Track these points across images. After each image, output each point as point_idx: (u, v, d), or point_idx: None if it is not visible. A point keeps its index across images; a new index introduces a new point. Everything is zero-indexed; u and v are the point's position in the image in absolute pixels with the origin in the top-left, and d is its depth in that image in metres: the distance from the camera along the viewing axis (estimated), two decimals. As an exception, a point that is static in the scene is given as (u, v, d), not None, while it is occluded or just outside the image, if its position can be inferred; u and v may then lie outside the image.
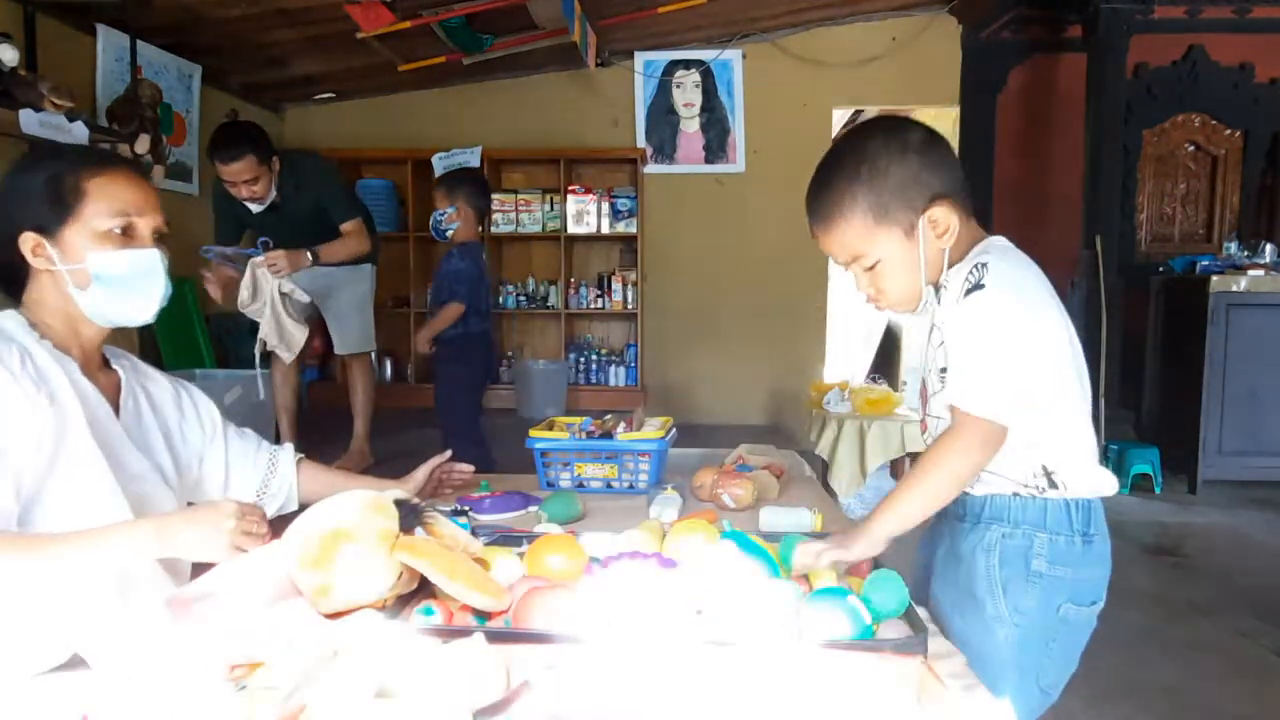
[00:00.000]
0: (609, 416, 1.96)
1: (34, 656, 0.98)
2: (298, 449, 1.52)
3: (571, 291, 5.35)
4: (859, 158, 1.13)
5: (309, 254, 3.01)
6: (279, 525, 1.10)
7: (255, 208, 3.10)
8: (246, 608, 0.94)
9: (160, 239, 1.20)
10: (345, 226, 3.23)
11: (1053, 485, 1.13)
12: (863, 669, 0.93)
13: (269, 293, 2.95)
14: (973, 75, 5.33)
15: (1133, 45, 4.82)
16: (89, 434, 1.11)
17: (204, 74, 4.25)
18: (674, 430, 1.94)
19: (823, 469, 3.75)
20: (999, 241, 1.15)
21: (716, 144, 5.38)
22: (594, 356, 5.41)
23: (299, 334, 3.14)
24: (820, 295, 5.37)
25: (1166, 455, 4.58)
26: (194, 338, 4.11)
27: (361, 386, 3.54)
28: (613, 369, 5.38)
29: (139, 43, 3.57)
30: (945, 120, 5.65)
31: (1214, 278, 4.42)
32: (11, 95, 2.80)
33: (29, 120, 2.80)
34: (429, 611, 1.03)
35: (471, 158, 5.07)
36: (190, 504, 1.29)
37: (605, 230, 5.23)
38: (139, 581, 1.10)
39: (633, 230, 5.22)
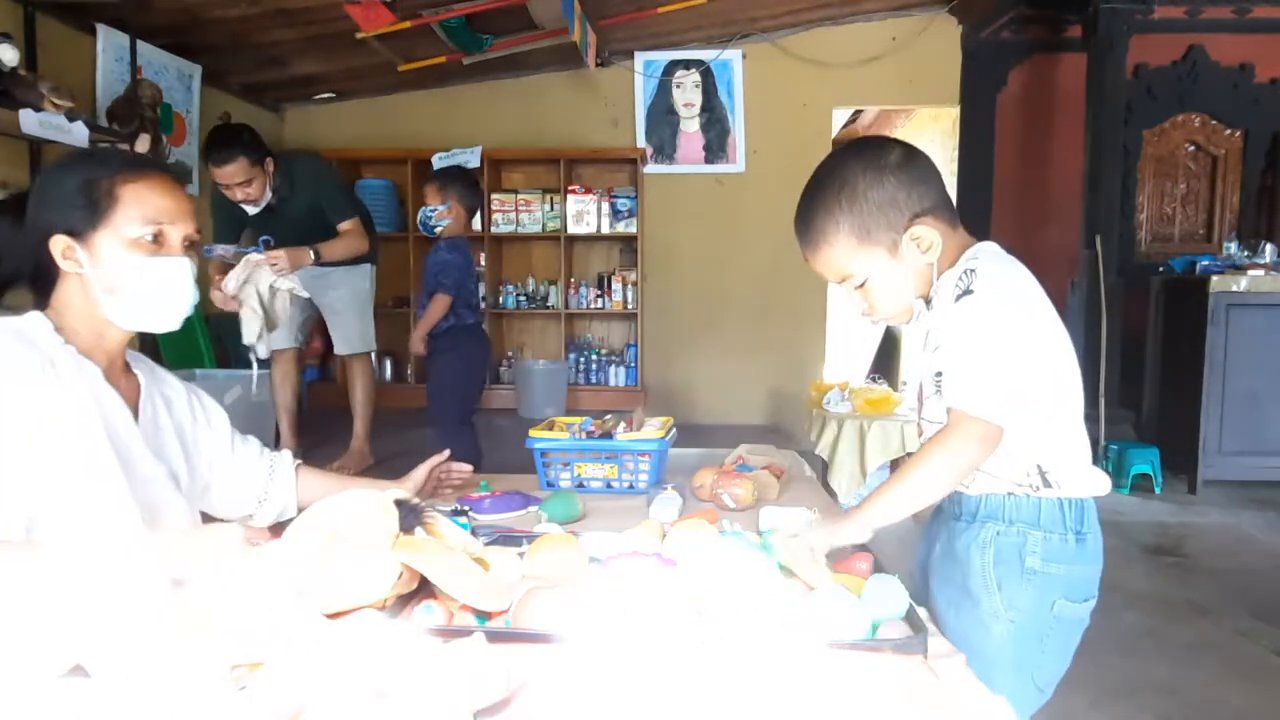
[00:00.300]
0: (609, 416, 1.96)
1: (35, 666, 0.97)
2: (297, 449, 1.52)
3: (571, 291, 5.35)
4: (839, 183, 1.17)
5: (310, 252, 3.01)
6: (279, 529, 1.10)
7: (251, 209, 3.10)
8: (246, 608, 0.94)
9: (190, 246, 1.20)
10: (343, 226, 3.22)
11: (1047, 485, 1.15)
12: (863, 669, 0.93)
13: (256, 288, 2.90)
14: (973, 75, 5.33)
15: (1133, 45, 4.82)
16: (105, 441, 1.11)
17: (204, 74, 4.25)
18: (674, 430, 1.94)
19: (823, 469, 3.75)
20: (988, 247, 1.17)
21: (716, 144, 5.38)
22: (594, 356, 5.41)
23: (282, 331, 3.15)
24: (820, 295, 5.38)
25: (1166, 455, 4.58)
26: (194, 338, 4.11)
27: (361, 386, 3.54)
28: (613, 369, 5.38)
29: (139, 43, 3.57)
30: (945, 120, 5.66)
31: (1214, 278, 4.41)
32: (11, 95, 2.80)
33: (29, 120, 2.81)
34: (429, 611, 1.03)
35: (471, 158, 5.08)
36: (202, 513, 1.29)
37: (605, 230, 5.23)
38: (142, 591, 1.10)
39: (633, 230, 5.22)
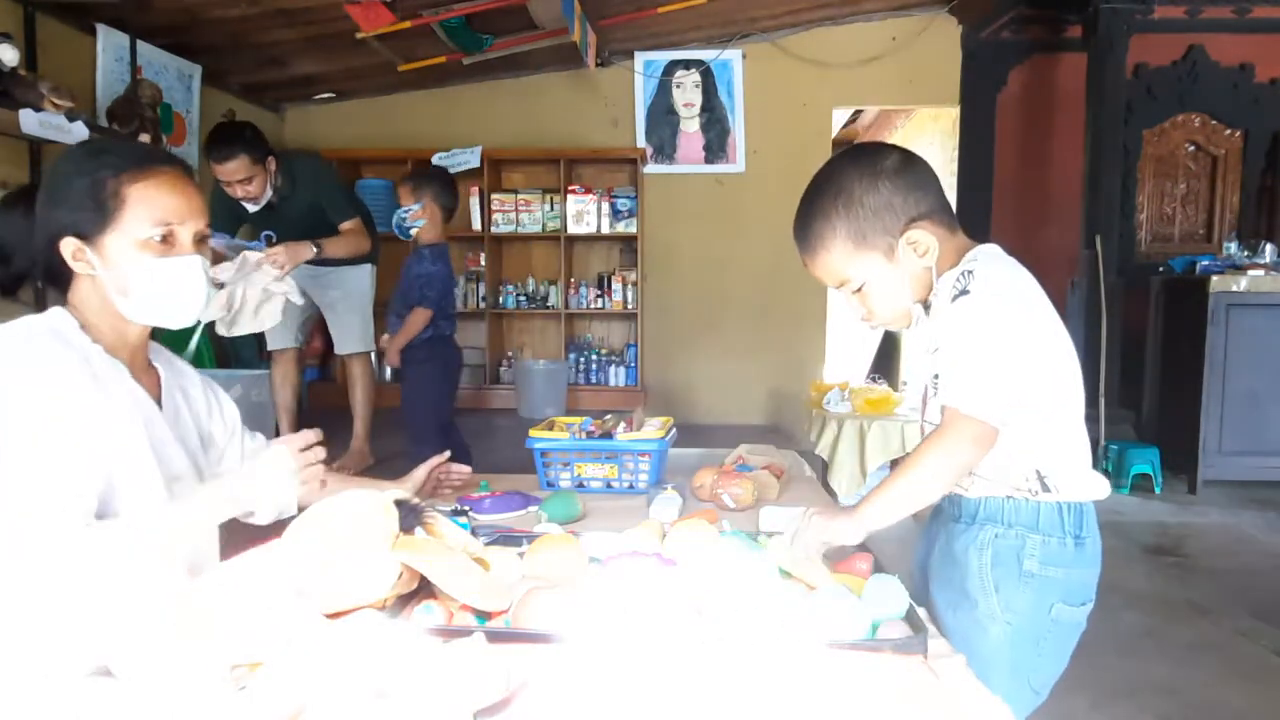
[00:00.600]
0: (609, 416, 1.96)
1: (60, 667, 0.97)
2: None
3: (571, 291, 5.35)
4: (835, 188, 1.18)
5: (311, 246, 3.00)
6: (278, 528, 1.10)
7: (251, 207, 3.10)
8: (246, 608, 0.94)
9: (202, 241, 1.19)
10: (344, 226, 3.23)
11: (1045, 489, 1.14)
12: (863, 669, 0.93)
13: (246, 290, 2.85)
14: (973, 75, 5.33)
15: (1133, 45, 4.82)
16: (145, 439, 1.12)
17: (204, 74, 4.25)
18: (674, 430, 1.94)
19: (823, 469, 3.75)
20: (988, 249, 1.17)
21: (716, 144, 5.38)
22: (594, 356, 5.41)
23: (282, 331, 3.11)
24: (820, 295, 5.38)
25: (1166, 455, 4.58)
26: (192, 336, 4.10)
27: (361, 386, 3.54)
28: (613, 369, 5.38)
29: (139, 43, 3.57)
30: (945, 120, 5.66)
31: (1214, 278, 4.41)
32: (11, 95, 2.80)
33: (29, 120, 2.81)
34: (429, 611, 1.03)
35: (471, 158, 5.08)
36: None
37: (605, 230, 5.23)
38: (163, 592, 1.11)
39: (633, 230, 5.22)
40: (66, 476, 1.00)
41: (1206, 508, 4.27)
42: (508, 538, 1.36)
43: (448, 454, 1.75)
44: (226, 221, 3.22)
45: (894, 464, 3.80)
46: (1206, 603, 3.04)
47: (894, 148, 1.22)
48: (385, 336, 3.06)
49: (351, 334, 3.54)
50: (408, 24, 3.84)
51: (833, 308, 5.52)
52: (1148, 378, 4.98)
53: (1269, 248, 4.51)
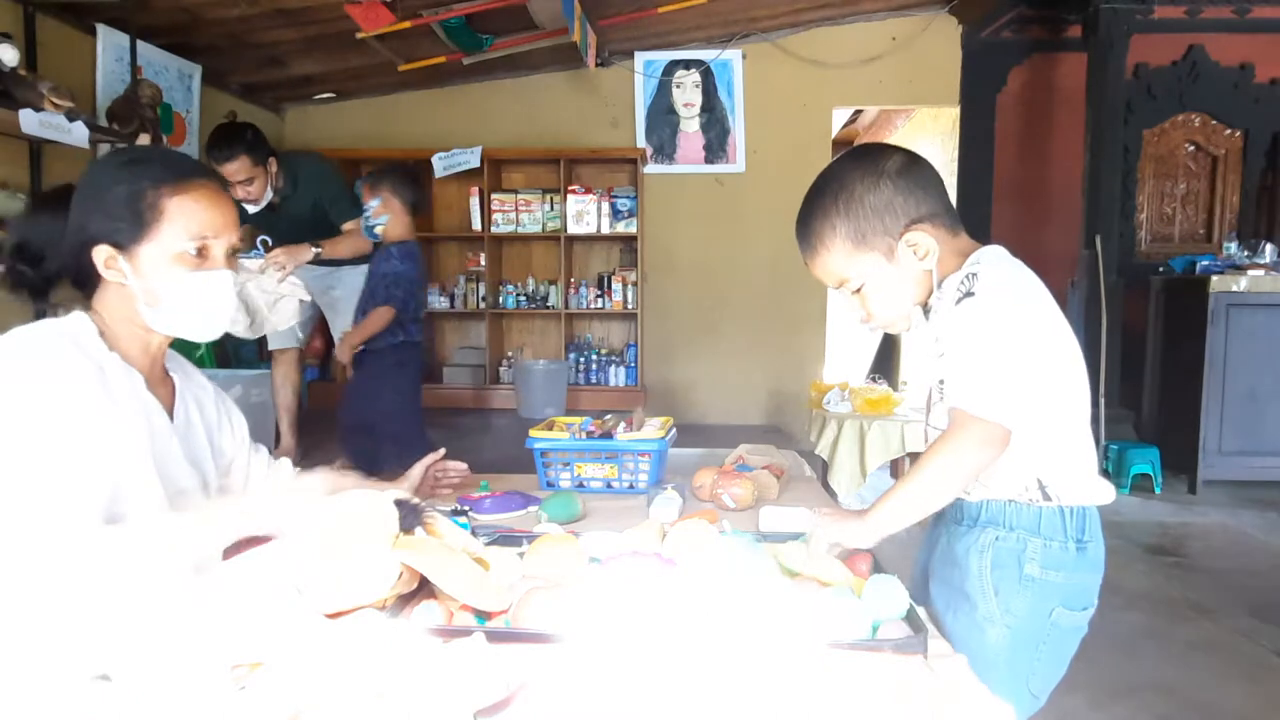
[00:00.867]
0: (609, 416, 1.96)
1: (62, 672, 0.97)
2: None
3: (571, 291, 5.35)
4: (837, 187, 1.18)
5: (311, 249, 3.00)
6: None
7: (251, 209, 3.10)
8: (246, 608, 0.94)
9: (233, 255, 1.19)
10: (347, 226, 3.23)
11: (1047, 498, 1.14)
12: (863, 669, 0.93)
13: (247, 299, 2.84)
14: (973, 75, 5.33)
15: (1133, 45, 4.82)
16: (149, 454, 1.12)
17: (204, 74, 4.25)
18: (674, 430, 1.94)
19: (823, 469, 3.75)
20: (992, 251, 1.16)
21: (716, 144, 5.38)
22: (594, 356, 5.41)
23: (283, 331, 3.09)
24: (820, 295, 5.38)
25: (1166, 455, 4.58)
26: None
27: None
28: (613, 369, 5.38)
29: (139, 43, 3.57)
30: (945, 120, 5.66)
31: (1214, 278, 4.42)
32: (11, 95, 2.80)
33: (29, 120, 2.80)
34: (429, 611, 1.03)
35: (471, 158, 5.08)
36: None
37: (605, 230, 5.23)
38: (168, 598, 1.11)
39: (633, 230, 5.22)
40: (74, 480, 0.99)
41: (1206, 508, 4.27)
42: (508, 538, 1.36)
43: (442, 451, 1.75)
44: None
45: (894, 464, 3.80)
46: (1206, 603, 3.04)
47: (898, 149, 1.21)
48: (342, 332, 2.90)
49: (352, 334, 3.53)
50: (408, 24, 3.84)
51: (833, 308, 5.52)
52: (1148, 377, 4.98)
53: (1269, 248, 4.51)
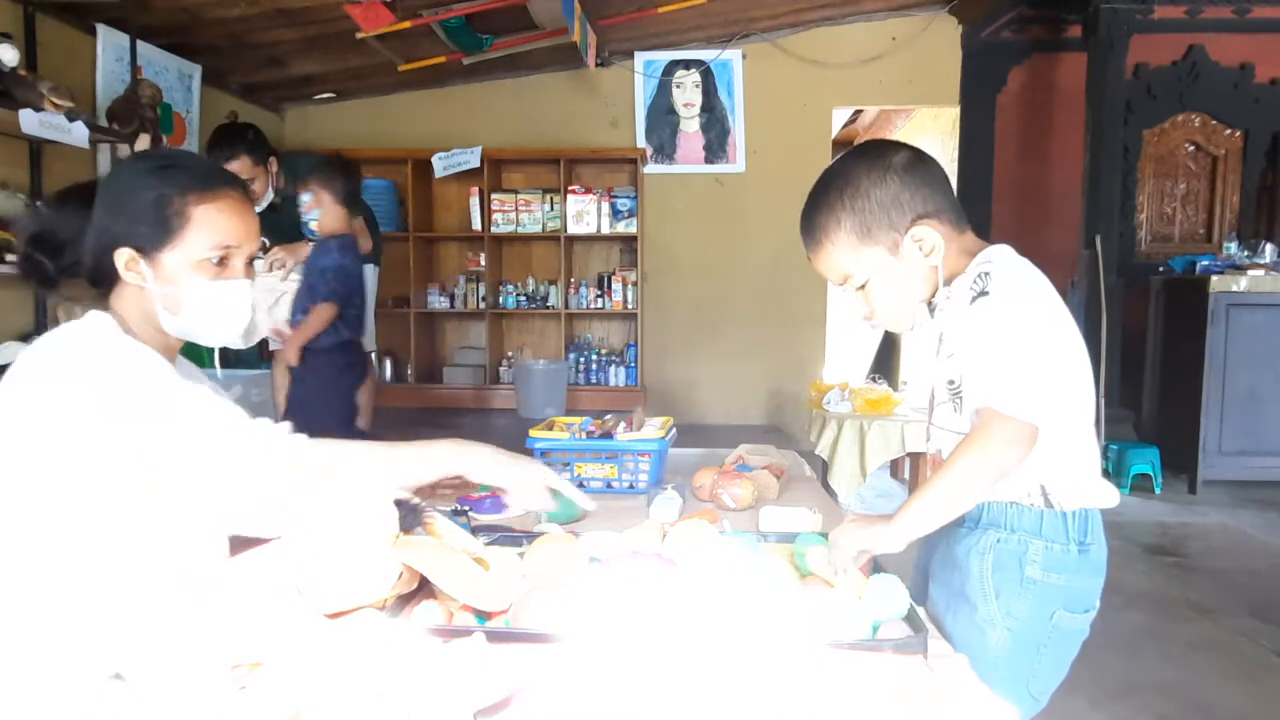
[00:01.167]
0: (609, 416, 1.96)
1: (75, 675, 0.97)
2: None
3: (571, 291, 5.35)
4: (843, 181, 1.17)
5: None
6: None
7: None
8: (247, 608, 0.94)
9: (251, 263, 1.20)
10: (346, 225, 3.22)
11: (1049, 504, 1.13)
12: (863, 669, 0.93)
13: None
14: (973, 75, 5.33)
15: (1133, 45, 4.82)
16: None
17: (204, 74, 4.24)
18: (674, 430, 1.94)
19: (823, 469, 3.75)
20: (1000, 250, 1.15)
21: (716, 144, 5.38)
22: (594, 356, 5.41)
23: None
24: (820, 295, 5.38)
25: (1166, 455, 4.58)
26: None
27: (361, 386, 3.53)
28: (613, 369, 5.38)
29: (139, 43, 3.57)
30: (945, 120, 5.66)
31: (1214, 278, 4.42)
32: (11, 95, 2.80)
33: (29, 120, 2.80)
34: (429, 611, 1.03)
35: (471, 158, 5.07)
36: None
37: (605, 230, 5.23)
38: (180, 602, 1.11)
39: (633, 230, 5.22)
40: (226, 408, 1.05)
41: (1206, 508, 4.27)
42: (508, 538, 1.36)
43: None
44: None
45: (894, 464, 3.80)
46: (1206, 603, 3.04)
47: (904, 145, 1.21)
48: (286, 332, 2.75)
49: (352, 334, 3.53)
50: (408, 24, 3.84)
51: (833, 308, 5.52)
52: (1148, 377, 4.98)
53: (1269, 248, 4.51)
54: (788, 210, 1.27)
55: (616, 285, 5.33)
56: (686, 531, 1.28)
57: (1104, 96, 4.75)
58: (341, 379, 2.82)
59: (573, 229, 5.20)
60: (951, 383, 1.15)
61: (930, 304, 1.20)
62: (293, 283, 2.93)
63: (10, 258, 2.80)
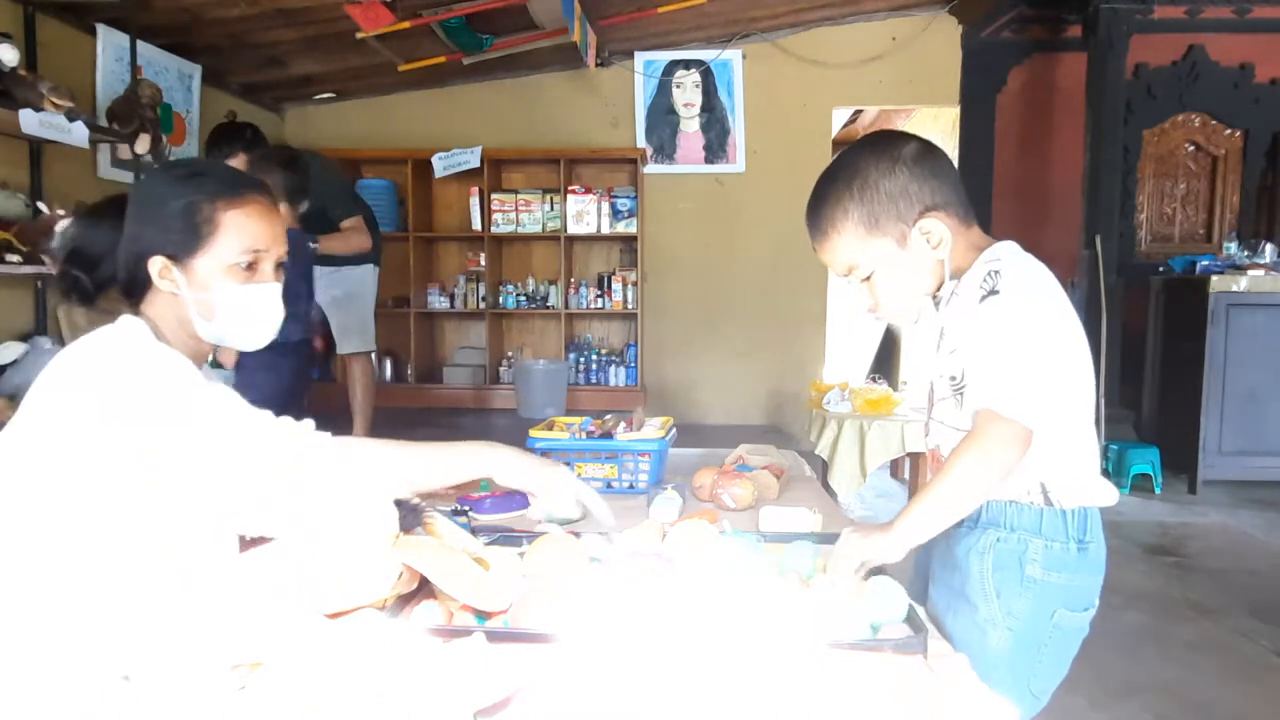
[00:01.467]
0: (609, 416, 1.96)
1: (85, 678, 0.97)
2: None
3: (571, 291, 5.35)
4: (851, 172, 1.16)
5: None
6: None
7: None
8: (247, 608, 0.94)
9: (279, 268, 1.21)
10: (345, 224, 3.24)
11: (1049, 502, 1.13)
12: (863, 669, 0.93)
13: None
14: (973, 75, 5.33)
15: (1133, 45, 4.82)
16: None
17: (204, 74, 4.24)
18: (674, 430, 1.94)
19: (823, 469, 3.75)
20: (1009, 247, 1.14)
21: (716, 144, 5.38)
22: (594, 356, 5.41)
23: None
24: (820, 295, 5.38)
25: (1166, 455, 4.58)
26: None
27: (361, 386, 3.54)
28: (613, 369, 5.38)
29: (139, 43, 3.57)
30: (945, 120, 5.66)
31: (1214, 278, 4.42)
32: (11, 95, 2.80)
33: (29, 120, 2.80)
34: (429, 611, 1.03)
35: (471, 158, 5.07)
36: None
37: (605, 230, 5.23)
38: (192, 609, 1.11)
39: (633, 230, 5.22)
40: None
41: (1206, 508, 4.27)
42: (508, 538, 1.36)
43: None
44: None
45: (894, 464, 3.80)
46: (1206, 603, 3.04)
47: (914, 136, 1.19)
48: None
49: (352, 333, 3.54)
50: (408, 24, 3.84)
51: (833, 308, 5.52)
52: (1148, 377, 4.98)
53: (1269, 248, 4.51)
54: (788, 210, 1.27)
55: (616, 285, 5.33)
56: (686, 531, 1.28)
57: (1104, 96, 4.75)
58: (275, 373, 2.46)
59: (573, 229, 5.20)
60: (954, 379, 1.15)
61: (935, 297, 1.19)
62: None
63: (10, 258, 2.80)
